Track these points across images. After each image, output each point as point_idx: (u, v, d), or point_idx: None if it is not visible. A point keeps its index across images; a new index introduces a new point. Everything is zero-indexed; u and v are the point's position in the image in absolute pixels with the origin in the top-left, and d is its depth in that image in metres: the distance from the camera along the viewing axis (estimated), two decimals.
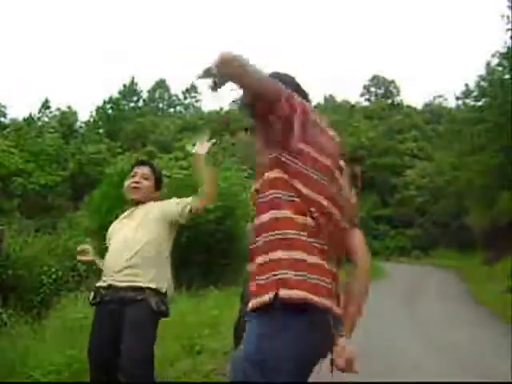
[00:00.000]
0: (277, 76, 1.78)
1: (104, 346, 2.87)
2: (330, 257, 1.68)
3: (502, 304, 10.37)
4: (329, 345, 1.69)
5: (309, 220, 1.63)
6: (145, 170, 3.22)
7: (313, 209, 1.63)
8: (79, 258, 3.39)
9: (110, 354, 2.83)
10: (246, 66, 1.58)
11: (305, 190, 1.64)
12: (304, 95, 1.80)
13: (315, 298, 1.58)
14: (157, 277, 2.91)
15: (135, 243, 2.95)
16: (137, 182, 3.16)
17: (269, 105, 1.60)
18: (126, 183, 3.21)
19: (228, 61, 1.59)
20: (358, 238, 1.92)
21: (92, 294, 3.03)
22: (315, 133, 1.67)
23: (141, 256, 2.90)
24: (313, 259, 1.62)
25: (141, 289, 2.85)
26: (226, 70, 1.60)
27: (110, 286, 2.92)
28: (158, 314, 2.89)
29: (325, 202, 1.67)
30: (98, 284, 3.04)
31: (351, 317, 1.81)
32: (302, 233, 1.62)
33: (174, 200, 3.15)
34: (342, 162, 1.83)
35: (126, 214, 3.23)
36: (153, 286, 2.88)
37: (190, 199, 3.10)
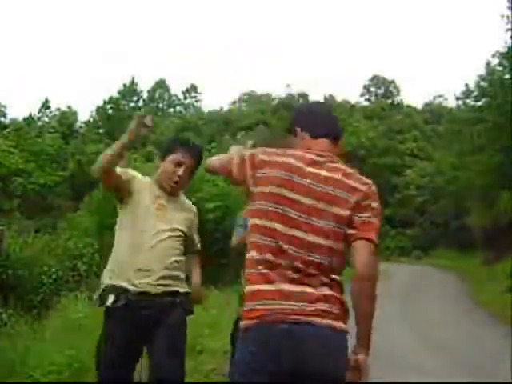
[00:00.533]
0: (298, 111, 2.30)
1: (129, 355, 2.74)
2: (277, 275, 1.88)
3: (502, 304, 10.37)
4: (275, 357, 1.85)
5: (254, 253, 1.93)
6: (193, 161, 2.88)
7: (259, 236, 1.93)
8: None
9: (133, 364, 2.78)
10: (215, 164, 2.23)
11: (258, 221, 1.95)
12: (315, 118, 2.15)
13: (243, 322, 1.92)
14: (184, 279, 2.89)
15: (170, 252, 2.77)
16: (180, 177, 2.83)
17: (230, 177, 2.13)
18: (167, 169, 2.83)
19: (208, 166, 2.29)
20: (360, 254, 1.90)
21: (112, 296, 2.67)
22: (261, 173, 1.99)
23: (174, 265, 2.78)
24: (253, 288, 1.91)
25: (177, 293, 2.78)
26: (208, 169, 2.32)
27: (143, 293, 2.68)
28: (190, 313, 2.89)
29: (275, 226, 1.91)
30: (119, 285, 2.69)
31: (360, 335, 1.95)
32: (250, 268, 1.95)
33: (197, 235, 3.05)
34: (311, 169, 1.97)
35: (155, 195, 2.83)
36: (185, 289, 2.85)
37: (198, 246, 3.07)
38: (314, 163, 1.96)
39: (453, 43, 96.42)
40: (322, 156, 1.99)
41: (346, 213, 1.90)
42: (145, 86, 58.05)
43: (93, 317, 5.71)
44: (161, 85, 58.53)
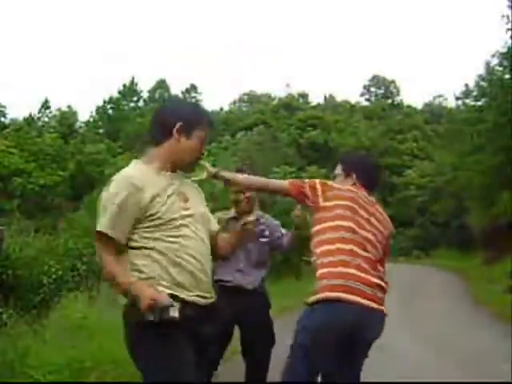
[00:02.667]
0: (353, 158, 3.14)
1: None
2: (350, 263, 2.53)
3: (502, 304, 10.37)
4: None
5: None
6: None
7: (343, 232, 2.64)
8: None
9: None
10: (265, 183, 2.85)
11: (338, 222, 2.66)
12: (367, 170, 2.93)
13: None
14: None
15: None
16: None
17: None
18: (196, 148, 2.24)
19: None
20: None
21: (177, 306, 2.03)
22: (333, 193, 2.67)
23: None
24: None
25: None
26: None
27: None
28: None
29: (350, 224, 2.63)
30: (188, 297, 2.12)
31: None
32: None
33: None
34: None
35: (173, 183, 2.18)
36: None
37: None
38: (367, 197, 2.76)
39: (453, 43, 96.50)
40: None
41: (386, 237, 2.73)
42: (145, 86, 58.22)
43: (92, 317, 5.72)
44: (161, 85, 58.56)
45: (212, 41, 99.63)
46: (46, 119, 44.61)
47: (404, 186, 39.28)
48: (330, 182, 2.76)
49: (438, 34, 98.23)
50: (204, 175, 2.49)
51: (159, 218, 2.10)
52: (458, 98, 27.87)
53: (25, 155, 26.69)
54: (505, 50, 18.70)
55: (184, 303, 2.09)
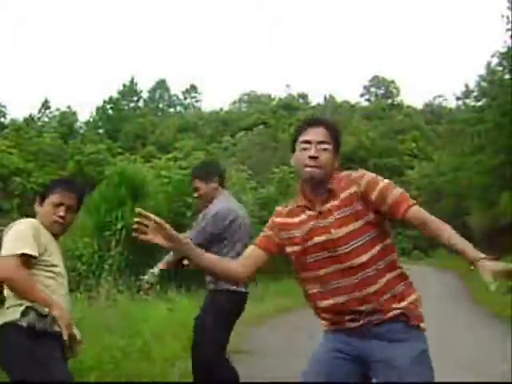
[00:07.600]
0: None
1: None
2: None
3: (502, 304, 10.35)
4: None
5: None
6: (74, 200, 2.78)
7: None
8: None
9: None
10: None
11: None
12: None
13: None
14: None
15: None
16: (62, 217, 2.75)
17: None
18: (46, 213, 2.73)
19: None
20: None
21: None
22: None
23: None
24: None
25: None
26: None
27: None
28: None
29: None
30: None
31: None
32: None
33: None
34: None
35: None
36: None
37: None
38: None
39: (453, 43, 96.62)
40: None
41: None
42: (145, 86, 58.34)
43: (91, 317, 5.70)
44: (161, 85, 58.61)
45: (212, 41, 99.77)
46: (46, 119, 44.68)
47: (404, 186, 39.32)
48: None
49: (439, 34, 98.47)
50: None
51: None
52: (458, 98, 27.97)
53: (24, 155, 26.70)
54: (505, 50, 18.72)
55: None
